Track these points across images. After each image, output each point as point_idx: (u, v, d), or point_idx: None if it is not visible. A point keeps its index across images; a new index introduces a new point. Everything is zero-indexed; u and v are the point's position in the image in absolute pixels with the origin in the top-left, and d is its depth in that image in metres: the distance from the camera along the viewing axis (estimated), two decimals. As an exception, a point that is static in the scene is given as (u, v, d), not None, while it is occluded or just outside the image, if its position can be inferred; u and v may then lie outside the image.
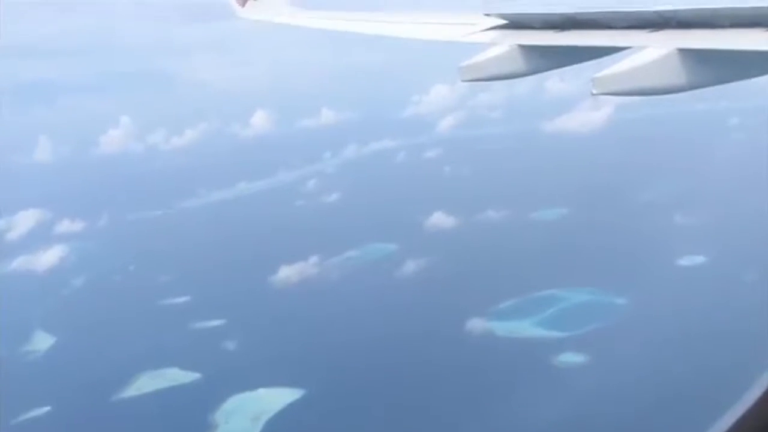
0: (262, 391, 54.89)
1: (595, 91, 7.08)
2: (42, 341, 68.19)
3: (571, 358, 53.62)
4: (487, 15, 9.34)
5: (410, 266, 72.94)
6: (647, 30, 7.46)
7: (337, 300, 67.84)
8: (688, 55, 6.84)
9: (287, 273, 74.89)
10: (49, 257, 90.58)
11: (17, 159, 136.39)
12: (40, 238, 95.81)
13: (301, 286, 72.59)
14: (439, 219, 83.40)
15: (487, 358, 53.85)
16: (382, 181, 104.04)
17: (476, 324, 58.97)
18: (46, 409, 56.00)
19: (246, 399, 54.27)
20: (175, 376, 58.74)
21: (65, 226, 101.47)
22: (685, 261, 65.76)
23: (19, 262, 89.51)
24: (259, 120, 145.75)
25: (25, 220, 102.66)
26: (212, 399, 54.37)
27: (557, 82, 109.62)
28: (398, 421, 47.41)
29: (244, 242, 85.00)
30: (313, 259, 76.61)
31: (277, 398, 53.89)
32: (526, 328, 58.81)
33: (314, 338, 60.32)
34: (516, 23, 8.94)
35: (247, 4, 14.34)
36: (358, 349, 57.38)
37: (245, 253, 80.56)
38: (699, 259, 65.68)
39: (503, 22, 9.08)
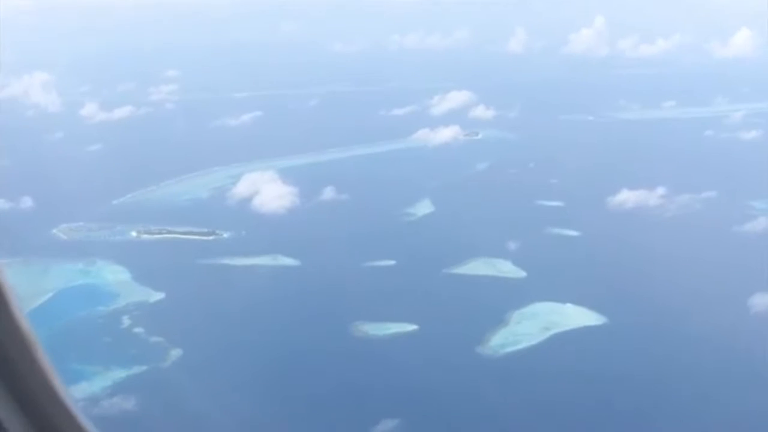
0: (569, 306, 55.38)
1: None
2: (423, 208, 75.06)
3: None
4: None
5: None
6: None
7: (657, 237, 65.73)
8: None
9: (627, 197, 74.76)
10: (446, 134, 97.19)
11: (491, 49, 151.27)
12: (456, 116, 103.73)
13: (632, 213, 72.09)
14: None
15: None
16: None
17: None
18: (392, 262, 62.38)
19: (549, 309, 55.31)
20: (506, 269, 61.72)
21: (490, 111, 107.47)
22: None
23: (419, 135, 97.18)
24: (742, 40, 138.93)
25: (455, 98, 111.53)
26: (520, 300, 56.01)
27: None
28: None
29: (617, 161, 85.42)
30: (659, 190, 75.27)
31: (578, 317, 54.06)
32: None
33: (642, 273, 59.13)
34: None
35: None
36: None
37: (606, 172, 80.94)
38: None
39: None
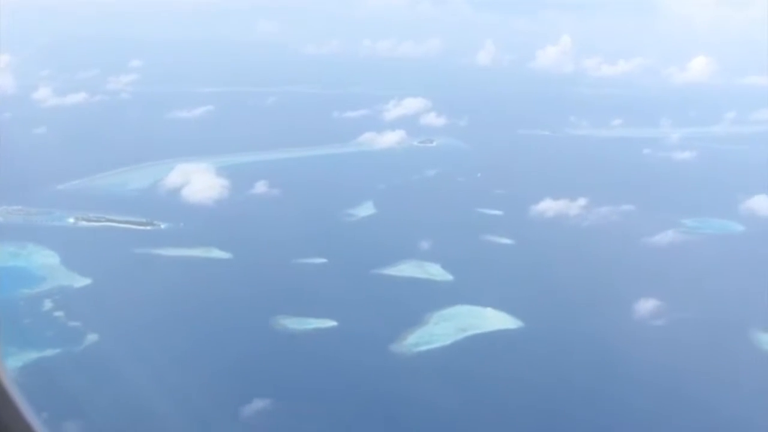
0: (489, 310, 56.16)
1: None
2: (364, 210, 76.27)
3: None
4: None
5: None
6: None
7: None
8: None
9: (550, 206, 77.22)
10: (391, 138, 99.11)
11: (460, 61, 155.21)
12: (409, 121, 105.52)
13: (554, 222, 74.76)
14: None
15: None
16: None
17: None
18: (323, 260, 63.32)
19: (469, 312, 55.94)
20: (434, 272, 62.60)
21: (440, 119, 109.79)
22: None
23: (365, 138, 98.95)
24: (699, 66, 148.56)
25: (409, 104, 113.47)
26: (443, 302, 56.65)
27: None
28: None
29: (555, 173, 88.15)
30: (581, 201, 77.71)
31: (496, 320, 54.86)
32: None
33: (558, 280, 60.41)
34: None
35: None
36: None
37: (546, 184, 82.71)
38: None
39: None
